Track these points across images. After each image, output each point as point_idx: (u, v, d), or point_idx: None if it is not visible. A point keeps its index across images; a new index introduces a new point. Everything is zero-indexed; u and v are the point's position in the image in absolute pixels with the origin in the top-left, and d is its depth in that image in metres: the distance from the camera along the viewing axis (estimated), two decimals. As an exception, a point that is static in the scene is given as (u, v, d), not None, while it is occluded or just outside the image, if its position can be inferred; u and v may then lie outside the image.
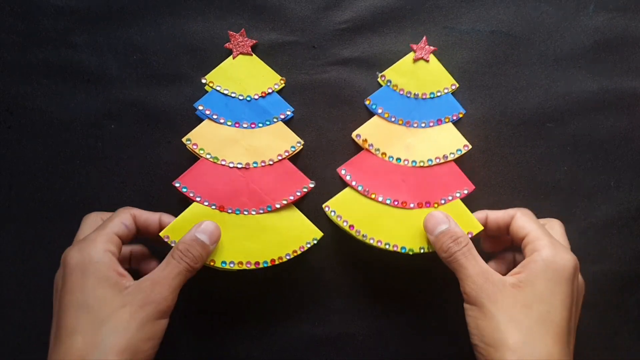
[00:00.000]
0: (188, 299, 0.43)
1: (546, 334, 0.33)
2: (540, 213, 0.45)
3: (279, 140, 0.43)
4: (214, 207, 0.42)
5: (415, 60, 0.44)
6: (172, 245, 0.39)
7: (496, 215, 0.41)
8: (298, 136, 0.44)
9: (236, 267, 0.41)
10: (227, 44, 0.44)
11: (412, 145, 0.43)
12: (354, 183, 0.42)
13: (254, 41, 0.44)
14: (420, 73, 0.44)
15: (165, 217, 0.41)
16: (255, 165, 0.43)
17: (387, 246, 0.41)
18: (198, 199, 0.42)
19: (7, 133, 0.46)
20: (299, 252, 0.41)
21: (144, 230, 0.41)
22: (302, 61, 0.46)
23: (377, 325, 0.47)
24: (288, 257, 0.42)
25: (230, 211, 0.42)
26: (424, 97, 0.44)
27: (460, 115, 0.44)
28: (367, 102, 0.44)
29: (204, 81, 0.44)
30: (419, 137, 0.43)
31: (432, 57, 0.44)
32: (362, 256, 0.46)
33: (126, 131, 0.46)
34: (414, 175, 0.42)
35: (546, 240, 0.36)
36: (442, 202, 0.42)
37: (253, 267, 0.41)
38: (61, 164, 0.46)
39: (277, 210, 0.42)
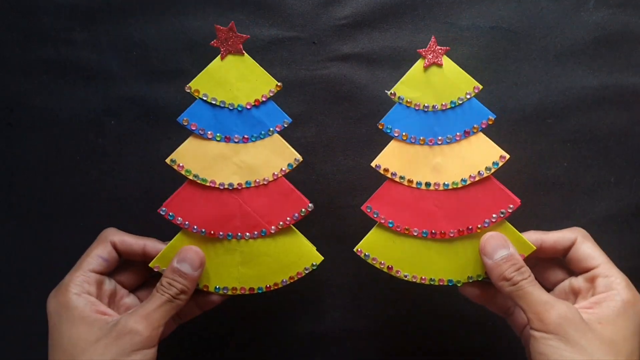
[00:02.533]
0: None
1: None
2: (540, 210, 0.45)
3: (274, 156, 0.39)
4: (203, 233, 0.38)
5: (427, 67, 0.37)
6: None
7: (553, 239, 0.37)
8: (299, 133, 0.43)
9: (230, 293, 0.39)
10: (213, 41, 0.38)
11: (440, 165, 0.38)
12: (382, 219, 0.38)
13: (246, 36, 0.38)
14: (435, 81, 0.38)
15: (150, 244, 0.38)
16: (248, 185, 0.38)
17: (432, 282, 0.38)
18: (186, 226, 0.38)
19: (7, 130, 0.46)
20: (296, 278, 0.39)
21: (127, 258, 0.39)
22: (302, 57, 0.46)
23: (378, 321, 0.47)
24: (284, 283, 0.39)
25: (221, 236, 0.38)
26: (444, 107, 0.38)
27: (490, 122, 0.38)
28: (380, 126, 0.38)
29: (187, 90, 0.38)
30: (447, 155, 0.38)
31: (445, 60, 0.37)
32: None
33: (126, 127, 0.46)
34: (448, 200, 0.38)
35: (621, 277, 0.35)
36: (486, 224, 0.37)
37: (247, 292, 0.39)
38: (61, 160, 0.46)
39: (272, 234, 0.39)
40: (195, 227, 0.38)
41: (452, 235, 0.38)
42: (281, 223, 0.38)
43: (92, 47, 0.46)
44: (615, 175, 0.46)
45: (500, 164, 0.37)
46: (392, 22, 0.46)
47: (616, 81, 0.45)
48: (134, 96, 0.45)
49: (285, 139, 0.39)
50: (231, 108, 0.38)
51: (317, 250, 0.39)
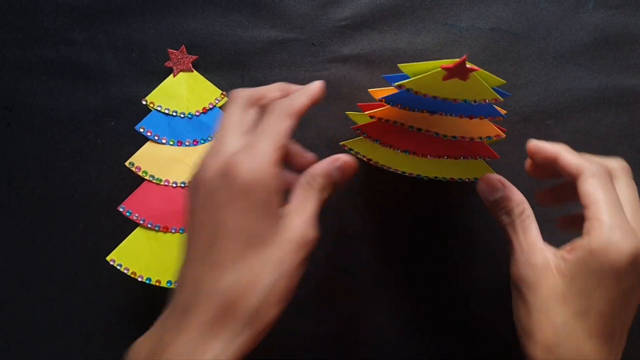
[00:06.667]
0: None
1: (580, 329, 0.29)
2: (540, 210, 0.45)
3: None
4: (157, 228, 0.42)
5: (446, 79, 0.31)
6: (118, 267, 0.41)
7: (564, 163, 0.33)
8: (299, 134, 0.44)
9: None
10: (167, 62, 0.44)
11: (435, 122, 0.36)
12: (364, 135, 0.39)
13: (194, 57, 0.44)
14: (448, 88, 0.33)
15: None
16: None
17: (403, 173, 0.39)
18: (142, 222, 0.42)
19: (6, 130, 0.46)
20: None
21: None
22: (302, 58, 0.46)
23: (377, 322, 0.46)
24: None
25: (174, 231, 0.42)
26: (455, 102, 0.34)
27: (499, 119, 0.36)
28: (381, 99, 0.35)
29: (144, 102, 0.44)
30: (447, 120, 0.36)
31: (473, 77, 0.31)
32: (363, 254, 0.46)
33: (125, 128, 0.46)
34: (434, 141, 0.37)
35: (604, 221, 0.29)
36: (462, 159, 0.38)
37: None
38: (60, 160, 0.46)
39: None
40: (150, 222, 0.42)
41: (429, 157, 0.38)
42: None
43: (92, 48, 0.46)
44: (614, 177, 0.46)
45: (492, 139, 0.36)
46: (392, 24, 0.46)
47: (616, 82, 0.45)
48: (133, 97, 0.45)
49: None
50: (182, 116, 0.44)
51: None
